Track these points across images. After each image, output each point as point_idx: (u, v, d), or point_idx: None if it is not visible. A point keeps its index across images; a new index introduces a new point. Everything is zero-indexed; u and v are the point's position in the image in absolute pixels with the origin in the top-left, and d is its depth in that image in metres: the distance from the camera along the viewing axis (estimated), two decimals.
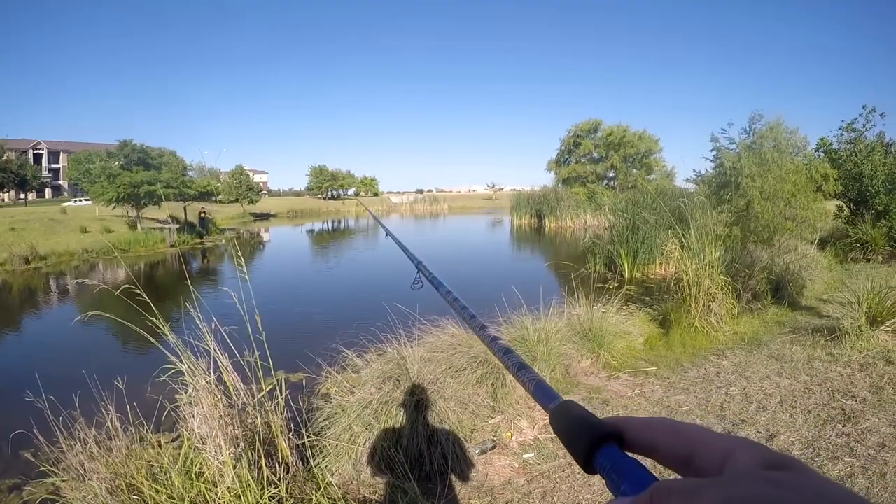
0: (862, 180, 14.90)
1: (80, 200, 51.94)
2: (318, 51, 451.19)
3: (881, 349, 5.98)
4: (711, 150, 11.13)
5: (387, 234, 2.23)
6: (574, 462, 2.85)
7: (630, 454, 0.48)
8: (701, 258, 7.86)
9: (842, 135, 16.33)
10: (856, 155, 15.36)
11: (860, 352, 5.96)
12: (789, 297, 9.25)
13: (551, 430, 3.16)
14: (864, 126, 15.86)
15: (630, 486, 0.43)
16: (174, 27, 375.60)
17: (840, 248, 14.57)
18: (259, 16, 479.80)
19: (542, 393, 0.64)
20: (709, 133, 10.68)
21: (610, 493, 0.46)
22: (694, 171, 13.15)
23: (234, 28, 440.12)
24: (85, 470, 3.51)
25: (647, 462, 0.47)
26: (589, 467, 0.48)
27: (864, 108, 15.83)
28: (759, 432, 4.34)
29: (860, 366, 5.62)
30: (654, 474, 0.43)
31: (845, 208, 16.21)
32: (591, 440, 0.48)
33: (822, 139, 16.86)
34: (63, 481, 3.56)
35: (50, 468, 3.62)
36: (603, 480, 0.47)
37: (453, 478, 3.96)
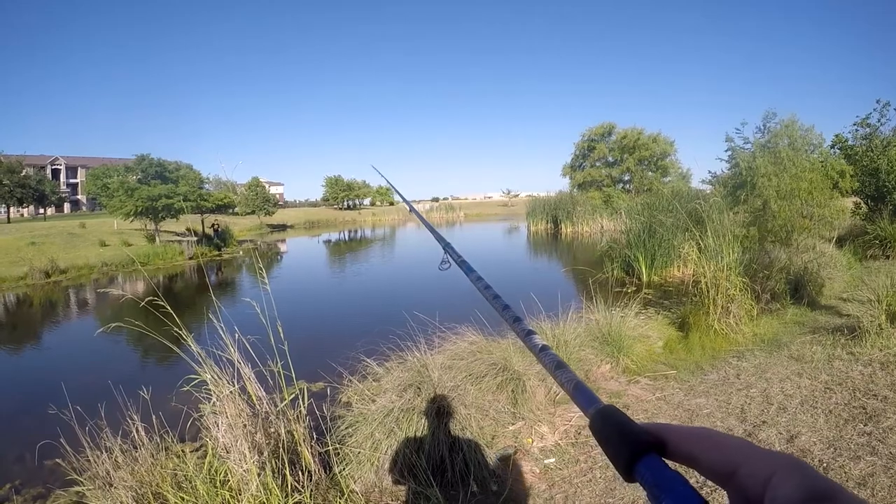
0: (879, 176, 14.78)
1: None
2: (332, 62, 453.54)
3: None
4: (726, 151, 11.12)
5: (410, 210, 2.22)
6: (595, 467, 2.86)
7: (671, 463, 0.48)
8: (718, 260, 7.83)
9: (857, 130, 16.20)
10: (871, 150, 15.23)
11: (881, 350, 5.89)
12: (808, 297, 9.18)
13: (572, 436, 3.18)
14: (878, 121, 15.73)
15: (672, 502, 0.44)
16: (188, 42, 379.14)
17: (858, 245, 14.41)
18: (273, 29, 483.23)
19: (581, 396, 0.61)
20: (724, 133, 10.65)
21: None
22: (709, 172, 13.12)
23: (249, 42, 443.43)
24: (111, 478, 3.57)
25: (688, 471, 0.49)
26: (629, 476, 0.48)
27: (878, 102, 15.69)
28: (781, 433, 4.31)
29: (881, 364, 5.56)
30: (697, 490, 0.43)
31: (863, 205, 16.07)
32: (633, 450, 0.48)
33: (837, 136, 16.71)
34: (89, 490, 3.62)
35: (76, 476, 3.68)
36: (642, 490, 0.47)
37: (475, 484, 3.98)
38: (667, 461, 0.48)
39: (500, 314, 0.90)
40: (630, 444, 0.48)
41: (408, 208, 2.42)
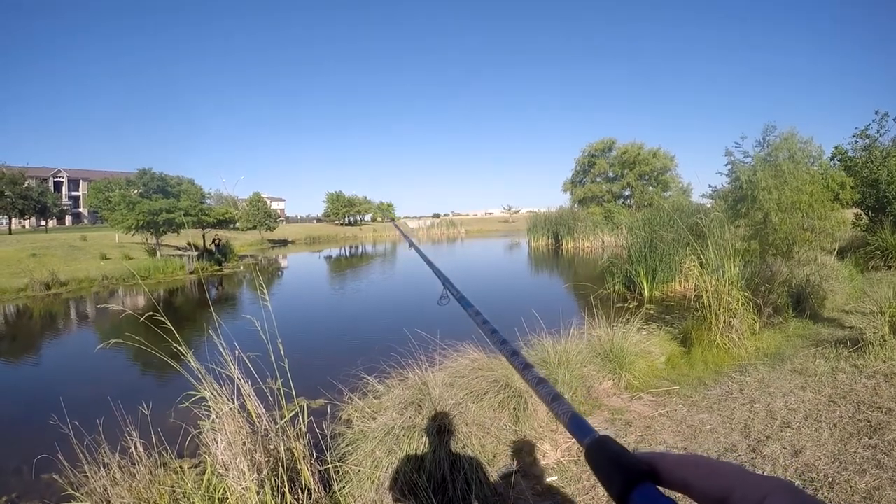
0: (879, 187, 14.81)
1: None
2: (334, 77, 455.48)
3: None
4: (726, 165, 11.11)
5: (410, 245, 2.22)
6: (597, 485, 2.84)
7: (664, 490, 0.49)
8: (720, 274, 7.81)
9: (856, 142, 16.24)
10: (871, 161, 15.27)
11: (884, 362, 5.86)
12: (811, 310, 9.16)
13: (574, 454, 3.15)
14: (878, 132, 15.78)
15: None
16: (190, 57, 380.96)
17: (860, 256, 14.44)
18: (275, 44, 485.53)
19: (577, 427, 0.62)
20: (724, 147, 10.66)
21: None
22: (710, 186, 13.11)
23: (251, 58, 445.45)
24: (108, 494, 3.55)
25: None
26: None
27: (877, 113, 15.73)
28: (785, 448, 4.27)
29: (885, 376, 5.53)
30: None
31: (863, 216, 16.08)
32: (627, 479, 0.49)
33: (836, 147, 16.78)
34: None
35: (73, 492, 3.65)
36: None
37: (476, 502, 3.94)
38: (661, 489, 0.49)
39: (498, 348, 0.91)
40: (624, 473, 0.49)
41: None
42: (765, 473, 0.51)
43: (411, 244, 2.18)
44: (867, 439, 4.25)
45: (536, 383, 0.75)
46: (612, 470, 0.51)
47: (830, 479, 3.72)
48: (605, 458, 0.53)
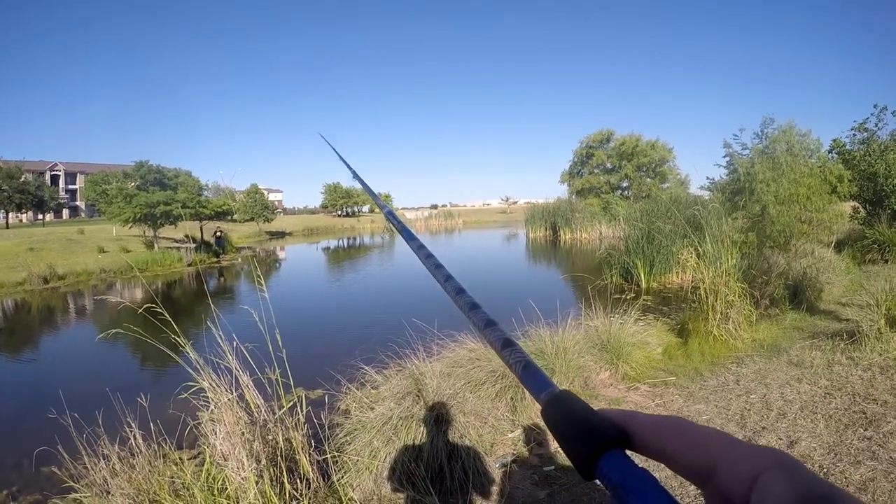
0: (877, 180, 14.81)
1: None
2: (331, 69, 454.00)
3: None
4: (724, 157, 11.10)
5: (351, 172, 2.16)
6: None
7: (634, 453, 0.43)
8: (717, 266, 7.83)
9: (854, 135, 16.22)
10: (869, 155, 15.27)
11: (880, 354, 5.89)
12: (807, 302, 9.18)
13: None
14: (876, 125, 15.76)
15: None
16: (187, 49, 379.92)
17: (857, 250, 14.44)
18: (272, 36, 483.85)
19: (532, 379, 0.53)
20: (722, 139, 10.63)
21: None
22: (708, 178, 13.08)
23: (247, 49, 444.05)
24: (108, 486, 3.56)
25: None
26: (588, 474, 0.42)
27: (875, 106, 15.71)
28: (780, 439, 4.30)
29: (881, 368, 5.56)
30: (669, 493, 0.38)
31: (861, 209, 16.07)
32: (594, 445, 0.42)
33: (834, 140, 16.78)
34: (86, 497, 3.60)
35: (73, 484, 3.66)
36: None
37: (474, 492, 3.96)
38: (633, 452, 0.43)
39: (443, 286, 0.79)
40: (590, 440, 0.42)
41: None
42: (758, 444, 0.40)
43: (351, 171, 2.12)
44: (862, 431, 4.28)
45: (484, 326, 0.66)
46: (575, 434, 0.43)
47: (825, 469, 3.75)
48: (567, 418, 0.45)
